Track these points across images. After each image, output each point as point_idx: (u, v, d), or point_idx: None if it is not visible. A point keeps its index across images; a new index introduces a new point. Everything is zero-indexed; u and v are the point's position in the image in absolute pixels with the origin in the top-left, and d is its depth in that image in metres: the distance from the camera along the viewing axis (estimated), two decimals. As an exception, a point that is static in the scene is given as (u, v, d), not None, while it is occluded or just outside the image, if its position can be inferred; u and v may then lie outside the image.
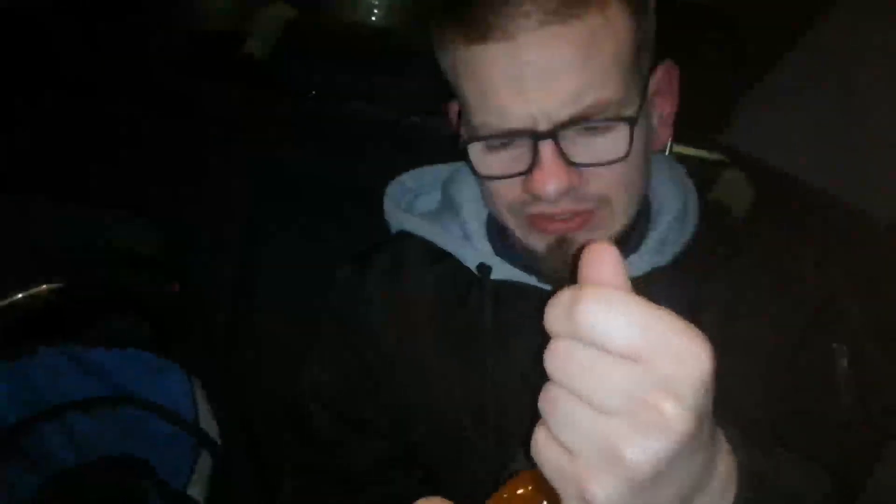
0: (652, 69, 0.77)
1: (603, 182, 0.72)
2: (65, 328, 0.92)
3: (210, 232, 1.21)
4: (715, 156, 1.31)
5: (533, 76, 0.67)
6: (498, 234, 0.86)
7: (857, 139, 1.14)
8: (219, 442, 0.96)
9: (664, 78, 0.79)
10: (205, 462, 0.96)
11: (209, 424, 0.97)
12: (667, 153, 1.28)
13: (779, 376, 0.78)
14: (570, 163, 0.70)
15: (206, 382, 0.99)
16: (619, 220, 0.76)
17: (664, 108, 0.80)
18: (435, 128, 1.28)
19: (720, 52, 1.30)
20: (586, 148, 0.70)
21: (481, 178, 0.76)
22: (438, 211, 0.93)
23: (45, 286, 0.91)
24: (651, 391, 0.38)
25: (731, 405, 0.75)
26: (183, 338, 1.05)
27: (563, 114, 0.68)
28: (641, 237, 0.83)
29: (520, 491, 0.51)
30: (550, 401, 0.42)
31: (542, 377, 0.82)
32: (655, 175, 0.86)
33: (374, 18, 1.96)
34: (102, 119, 1.34)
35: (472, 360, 0.82)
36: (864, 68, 1.10)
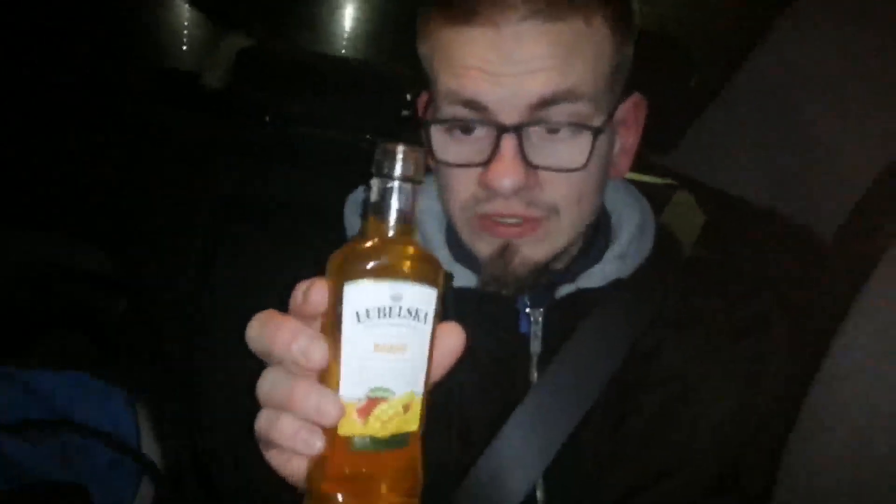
0: (622, 98, 0.78)
1: (557, 191, 0.73)
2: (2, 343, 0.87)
3: (165, 253, 1.18)
4: (664, 181, 1.34)
5: (509, 66, 0.68)
6: (457, 241, 0.86)
7: (799, 157, 1.18)
8: (161, 469, 0.92)
9: (632, 109, 0.80)
10: (147, 489, 0.91)
11: (152, 450, 0.92)
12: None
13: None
14: (529, 163, 0.70)
15: (151, 406, 0.94)
16: (564, 234, 0.76)
17: (627, 139, 0.81)
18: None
19: (669, 78, 1.35)
20: (547, 152, 0.71)
21: (438, 164, 0.76)
22: None
23: None
24: None
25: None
26: (129, 359, 1.00)
27: (532, 99, 0.69)
28: (603, 250, 0.83)
29: None
30: None
31: (494, 380, 0.80)
32: (614, 193, 0.88)
33: (343, 50, 2.01)
34: (54, 140, 1.32)
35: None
36: (803, 88, 1.15)
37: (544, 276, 0.79)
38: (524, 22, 0.67)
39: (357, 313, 0.49)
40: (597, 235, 0.84)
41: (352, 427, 0.50)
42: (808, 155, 1.17)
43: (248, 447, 0.93)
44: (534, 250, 0.75)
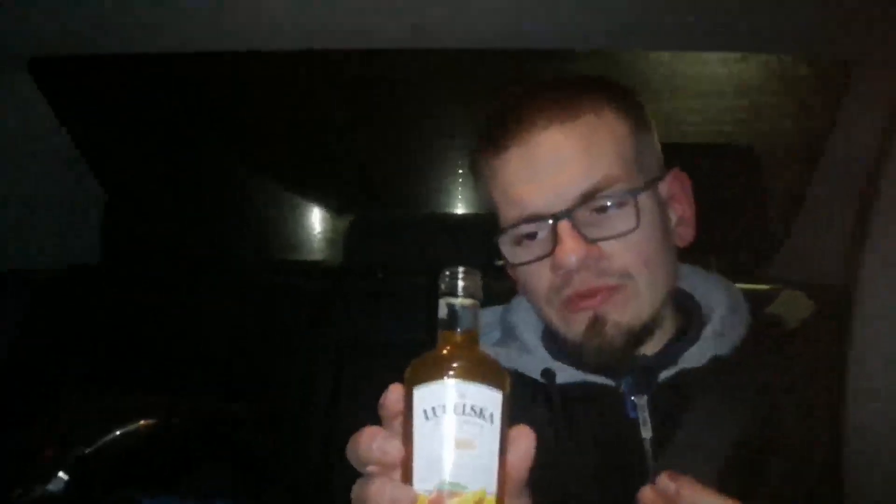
0: (660, 176, 0.88)
1: (623, 257, 0.81)
2: (162, 477, 0.98)
3: (299, 397, 1.30)
4: (772, 287, 1.34)
5: (544, 167, 0.81)
6: (554, 342, 0.91)
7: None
8: None
9: (675, 183, 0.89)
10: None
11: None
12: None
13: None
14: (587, 239, 0.79)
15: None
16: (645, 298, 0.82)
17: (683, 212, 0.90)
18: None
19: (747, 185, 1.39)
20: (600, 226, 0.81)
21: (517, 271, 0.85)
22: (500, 341, 0.99)
23: (141, 422, 0.99)
24: None
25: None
26: (273, 487, 1.08)
27: (574, 193, 0.80)
28: (698, 332, 0.86)
29: None
30: None
31: (609, 468, 0.81)
32: (701, 280, 0.93)
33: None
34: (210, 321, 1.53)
35: (545, 461, 0.82)
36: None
37: (638, 347, 0.83)
38: (545, 131, 0.81)
39: (425, 411, 0.55)
40: (690, 320, 0.88)
41: None
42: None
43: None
44: (621, 315, 0.81)
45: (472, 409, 0.55)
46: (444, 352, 0.58)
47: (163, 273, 1.64)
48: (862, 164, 1.22)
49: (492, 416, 0.56)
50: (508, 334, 0.98)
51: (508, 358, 0.91)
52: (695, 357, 0.83)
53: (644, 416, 0.82)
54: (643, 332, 0.83)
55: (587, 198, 0.80)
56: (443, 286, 0.59)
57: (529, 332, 0.93)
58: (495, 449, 0.56)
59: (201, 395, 1.25)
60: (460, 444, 0.55)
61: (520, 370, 0.89)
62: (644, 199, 0.82)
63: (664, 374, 0.83)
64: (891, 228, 0.46)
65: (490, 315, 1.03)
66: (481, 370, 0.57)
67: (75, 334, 1.53)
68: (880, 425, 0.43)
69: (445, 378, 0.56)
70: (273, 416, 1.27)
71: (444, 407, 0.55)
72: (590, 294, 0.81)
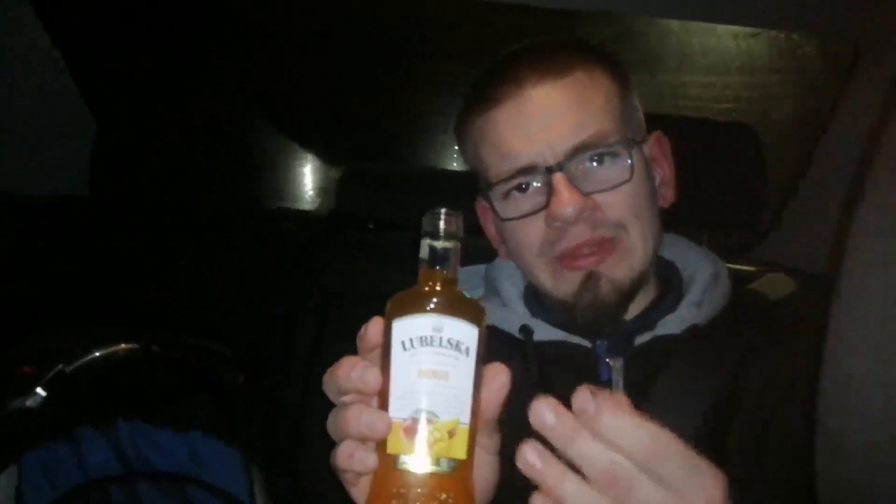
0: (644, 139, 0.89)
1: (617, 208, 0.81)
2: (142, 404, 0.99)
3: (280, 338, 1.31)
4: (758, 267, 1.35)
5: (537, 121, 0.81)
6: (535, 300, 0.92)
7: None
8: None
9: (656, 145, 0.90)
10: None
11: (265, 510, 0.97)
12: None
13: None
14: (581, 191, 0.80)
15: (266, 469, 1.01)
16: (637, 252, 0.82)
17: (664, 172, 0.91)
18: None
19: (745, 161, 1.39)
20: (594, 178, 0.81)
21: (507, 226, 0.85)
22: (483, 297, 0.99)
23: (122, 345, 1.00)
24: None
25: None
26: (248, 425, 1.10)
27: (567, 146, 0.80)
28: (677, 300, 0.87)
29: None
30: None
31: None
32: (685, 250, 0.93)
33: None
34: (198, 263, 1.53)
35: (517, 417, 0.83)
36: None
37: (627, 306, 0.84)
38: (537, 86, 0.81)
39: (402, 342, 0.57)
40: (670, 288, 0.88)
41: (399, 445, 0.56)
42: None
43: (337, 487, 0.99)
44: (615, 271, 0.81)
45: (449, 341, 0.57)
46: (425, 288, 0.59)
47: (151, 211, 1.63)
48: (859, 153, 1.22)
49: (467, 349, 0.58)
50: (490, 290, 0.98)
51: (488, 313, 0.92)
52: (672, 324, 0.84)
53: (617, 378, 0.83)
54: (633, 289, 0.84)
55: (579, 150, 0.80)
56: (425, 226, 0.60)
57: (510, 288, 0.94)
58: (470, 381, 0.58)
59: (184, 334, 1.26)
60: (436, 375, 0.57)
61: (498, 325, 0.89)
62: (635, 153, 0.82)
63: (640, 339, 0.84)
64: (877, 219, 0.46)
65: (474, 273, 1.03)
66: (459, 306, 0.59)
67: (59, 265, 1.53)
68: (853, 402, 0.44)
69: (425, 311, 0.57)
70: (253, 358, 1.28)
71: (421, 339, 0.57)
72: (588, 249, 0.81)
